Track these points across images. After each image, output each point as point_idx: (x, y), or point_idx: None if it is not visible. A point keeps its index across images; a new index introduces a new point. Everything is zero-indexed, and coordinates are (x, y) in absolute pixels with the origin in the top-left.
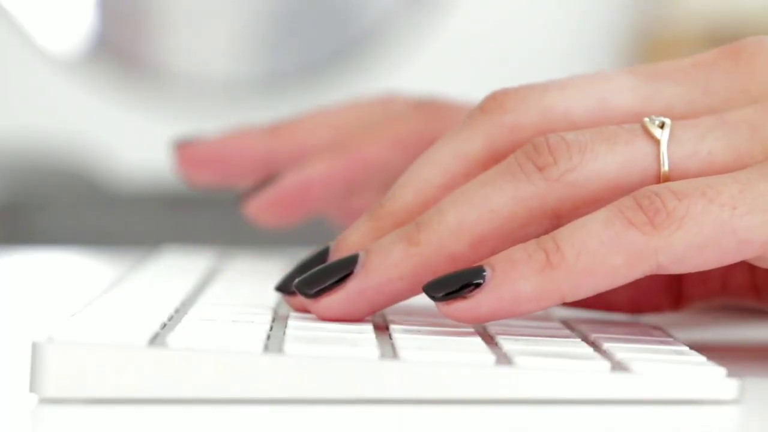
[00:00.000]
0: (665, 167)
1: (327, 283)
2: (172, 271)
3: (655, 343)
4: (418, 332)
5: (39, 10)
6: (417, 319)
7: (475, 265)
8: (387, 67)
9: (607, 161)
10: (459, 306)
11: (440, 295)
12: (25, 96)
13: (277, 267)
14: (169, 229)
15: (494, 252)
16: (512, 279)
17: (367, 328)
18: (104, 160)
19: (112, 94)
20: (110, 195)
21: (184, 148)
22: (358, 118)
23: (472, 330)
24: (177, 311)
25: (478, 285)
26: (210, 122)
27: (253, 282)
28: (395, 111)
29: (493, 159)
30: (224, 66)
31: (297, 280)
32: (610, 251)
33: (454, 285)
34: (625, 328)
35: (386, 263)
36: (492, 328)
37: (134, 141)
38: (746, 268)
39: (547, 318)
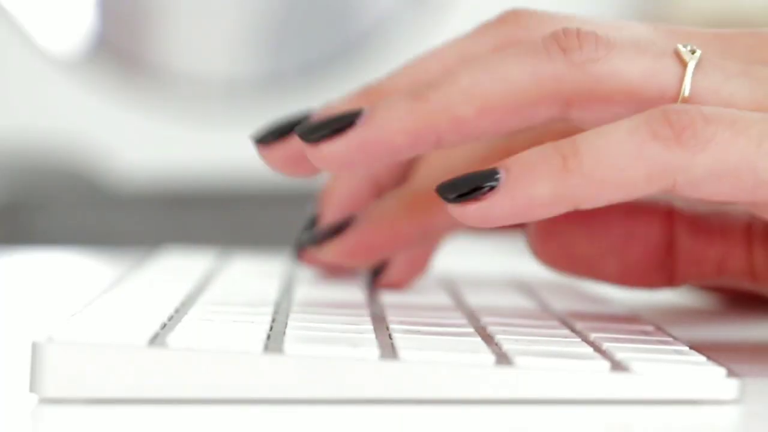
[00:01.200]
0: (686, 92)
1: (328, 129)
2: (172, 271)
3: (655, 343)
4: (418, 332)
5: (39, 10)
6: (417, 319)
7: (489, 167)
8: (387, 67)
9: (631, 65)
10: (472, 208)
11: (453, 196)
12: (25, 96)
13: (278, 267)
14: (169, 229)
15: (499, 124)
16: (527, 182)
17: (367, 328)
18: (104, 160)
19: (112, 94)
20: (110, 195)
21: (305, 257)
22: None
23: (472, 330)
24: (177, 311)
25: (492, 188)
26: (210, 122)
27: (253, 282)
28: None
29: None
30: (224, 66)
31: (300, 125)
32: (630, 162)
33: (467, 186)
34: (625, 328)
35: (390, 116)
36: (492, 327)
37: (134, 141)
38: (744, 251)
39: (547, 318)
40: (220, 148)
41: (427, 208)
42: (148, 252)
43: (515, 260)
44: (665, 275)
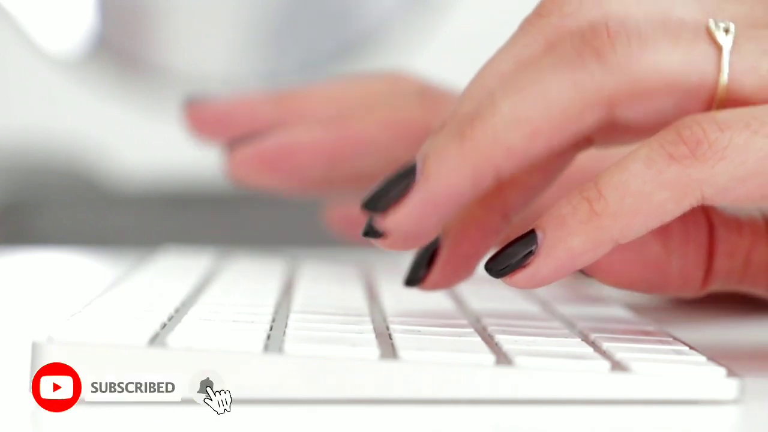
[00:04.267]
0: (724, 79)
1: (390, 196)
2: (172, 271)
3: (655, 343)
4: (418, 332)
5: (39, 10)
6: (417, 319)
7: (524, 232)
8: (386, 68)
9: (668, 58)
10: (521, 276)
11: (500, 271)
12: (25, 96)
13: (277, 267)
14: (169, 229)
15: (551, 142)
16: (563, 237)
17: (367, 328)
18: (104, 159)
19: (112, 94)
20: (110, 195)
21: (193, 108)
22: (363, 95)
23: (471, 330)
24: (177, 311)
25: (533, 252)
26: None
27: (253, 282)
28: (399, 94)
29: None
30: (224, 66)
31: (363, 201)
32: (654, 189)
33: (511, 260)
34: (625, 328)
35: (444, 167)
36: (492, 328)
37: (134, 141)
38: (766, 245)
39: (547, 318)
40: (220, 148)
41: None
42: (148, 252)
43: None
44: (700, 276)
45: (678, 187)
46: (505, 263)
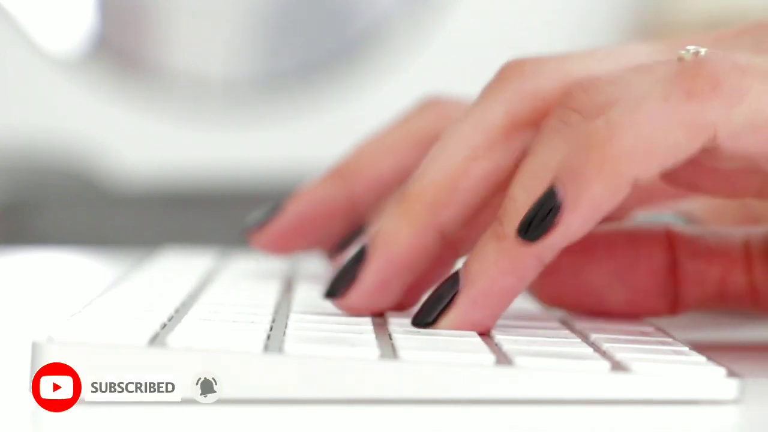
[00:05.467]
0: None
1: (438, 310)
2: (172, 271)
3: (655, 343)
4: (418, 332)
5: (39, 10)
6: None
7: (545, 189)
8: (387, 67)
9: (643, 88)
10: (555, 236)
11: (535, 232)
12: (25, 96)
13: (277, 267)
14: (169, 229)
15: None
16: (583, 189)
17: (367, 329)
18: (104, 160)
19: (112, 94)
20: (110, 195)
21: (256, 235)
22: (415, 138)
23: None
24: (177, 311)
25: (558, 208)
26: (210, 122)
27: (253, 282)
28: (448, 118)
29: (514, 126)
30: (224, 66)
31: (416, 318)
32: (669, 126)
33: (541, 219)
34: (625, 328)
35: (484, 265)
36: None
37: (134, 141)
38: (744, 267)
39: (547, 318)
40: (220, 148)
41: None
42: (148, 252)
43: None
44: (669, 300)
45: (694, 125)
46: (537, 223)
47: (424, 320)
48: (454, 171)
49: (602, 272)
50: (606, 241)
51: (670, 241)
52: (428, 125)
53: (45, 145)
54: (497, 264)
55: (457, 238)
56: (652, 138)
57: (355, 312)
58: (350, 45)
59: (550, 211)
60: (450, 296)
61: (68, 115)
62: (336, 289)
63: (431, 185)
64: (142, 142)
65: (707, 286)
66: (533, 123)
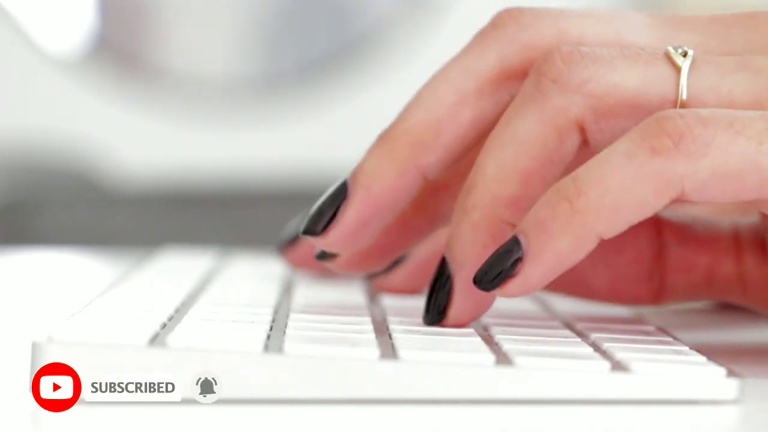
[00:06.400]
0: (683, 96)
1: (440, 299)
2: (172, 271)
3: (655, 343)
4: (418, 332)
5: (39, 10)
6: (417, 319)
7: (507, 240)
8: (386, 68)
9: (625, 76)
10: (512, 285)
11: (488, 284)
12: (25, 96)
13: (277, 267)
14: (169, 229)
15: (545, 180)
16: (547, 241)
17: (368, 328)
18: (104, 160)
19: (112, 94)
20: (110, 195)
21: (289, 252)
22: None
23: (471, 330)
24: (177, 311)
25: (519, 259)
26: (209, 122)
27: (253, 282)
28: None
29: (505, 76)
30: (224, 66)
31: (425, 316)
32: (635, 183)
33: (499, 269)
34: (625, 329)
35: (465, 244)
36: (492, 328)
37: (134, 141)
38: (733, 257)
39: (547, 318)
40: (220, 148)
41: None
42: (148, 252)
43: None
44: (654, 287)
45: (660, 181)
46: (494, 274)
47: (431, 317)
48: (440, 114)
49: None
50: None
51: (658, 227)
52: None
53: (45, 145)
54: (476, 240)
55: (440, 184)
56: (619, 194)
57: (333, 249)
58: (350, 45)
59: (512, 261)
60: (446, 288)
61: (68, 115)
62: (315, 227)
63: (416, 126)
64: (142, 142)
65: (695, 274)
66: (523, 74)
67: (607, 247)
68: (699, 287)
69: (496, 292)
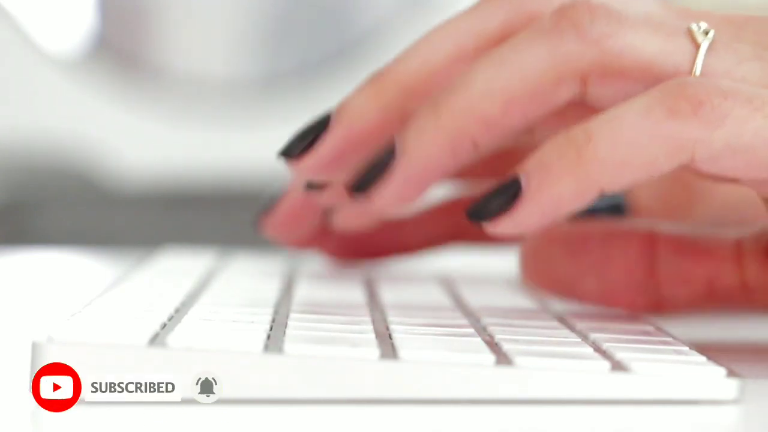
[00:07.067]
0: (697, 73)
1: (375, 175)
2: (172, 271)
3: (655, 343)
4: (418, 332)
5: (39, 10)
6: (417, 319)
7: (508, 176)
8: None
9: (646, 40)
10: (505, 223)
11: (483, 217)
12: (25, 96)
13: (277, 267)
14: (169, 229)
15: (526, 115)
16: (549, 183)
17: (368, 328)
18: (104, 160)
19: (112, 94)
20: (110, 195)
21: (266, 218)
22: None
23: (472, 330)
24: (177, 311)
25: (516, 194)
26: (209, 122)
27: (253, 282)
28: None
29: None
30: (224, 66)
31: (355, 185)
32: (648, 141)
33: (493, 203)
34: (625, 328)
35: (422, 141)
36: (492, 328)
37: (134, 141)
38: (734, 266)
39: (547, 318)
40: (220, 148)
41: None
42: (148, 252)
43: (515, 260)
44: (650, 299)
45: (672, 143)
46: (487, 207)
47: (358, 188)
48: (435, 65)
49: (575, 263)
50: (582, 236)
51: (650, 239)
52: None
53: (45, 145)
54: (435, 142)
55: (416, 90)
56: (628, 150)
57: (305, 175)
58: (350, 46)
59: (509, 196)
60: (385, 168)
61: (68, 115)
62: (292, 150)
63: (409, 72)
64: (142, 142)
65: (695, 285)
66: None
67: (595, 258)
68: (701, 298)
69: (489, 226)
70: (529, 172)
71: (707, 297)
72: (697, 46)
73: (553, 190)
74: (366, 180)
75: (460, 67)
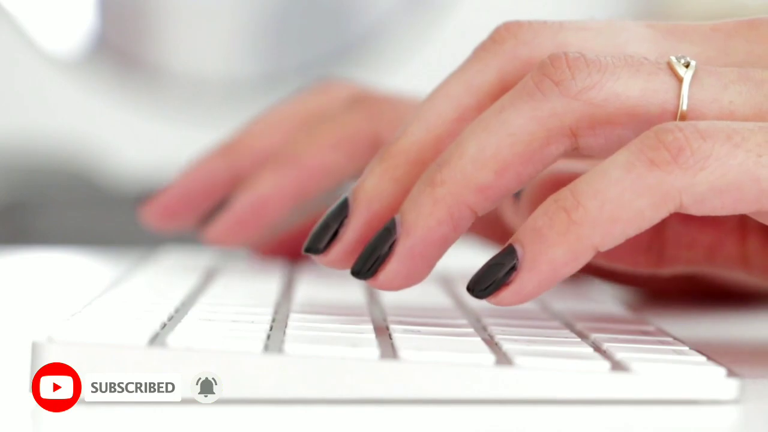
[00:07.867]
0: (684, 106)
1: (378, 257)
2: (172, 271)
3: (655, 343)
4: (418, 332)
5: (39, 10)
6: (417, 319)
7: (503, 248)
8: (387, 67)
9: (628, 85)
10: (506, 294)
11: (484, 290)
12: (25, 96)
13: (277, 267)
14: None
15: (520, 177)
16: (543, 250)
17: (368, 328)
18: (104, 160)
19: (112, 94)
20: (110, 195)
21: (149, 206)
22: (301, 118)
23: (471, 330)
24: (177, 311)
25: (514, 267)
26: (209, 122)
27: (253, 282)
28: (332, 108)
29: (505, 92)
30: (224, 66)
31: (353, 267)
32: (633, 195)
33: (493, 278)
34: (625, 328)
35: (420, 215)
36: (492, 328)
37: (134, 141)
38: (737, 238)
39: (547, 318)
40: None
41: None
42: (148, 252)
43: None
44: (653, 258)
45: (658, 194)
46: (487, 282)
47: (361, 270)
48: (440, 130)
49: None
50: None
51: None
52: (317, 105)
53: (45, 145)
54: (434, 213)
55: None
56: (615, 207)
57: (334, 266)
58: (350, 45)
59: (507, 269)
60: (387, 247)
61: (68, 115)
62: (318, 244)
63: (416, 143)
64: (142, 142)
65: (696, 251)
66: None
67: None
68: (700, 262)
69: (491, 300)
70: (524, 243)
71: (707, 262)
72: (680, 80)
73: (549, 258)
74: (369, 262)
75: (464, 126)
